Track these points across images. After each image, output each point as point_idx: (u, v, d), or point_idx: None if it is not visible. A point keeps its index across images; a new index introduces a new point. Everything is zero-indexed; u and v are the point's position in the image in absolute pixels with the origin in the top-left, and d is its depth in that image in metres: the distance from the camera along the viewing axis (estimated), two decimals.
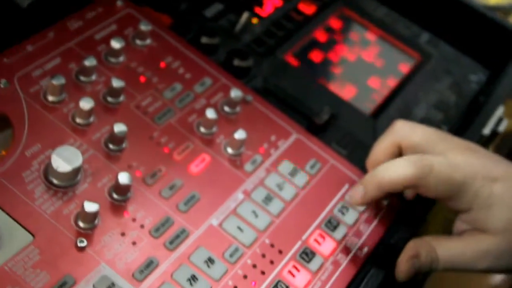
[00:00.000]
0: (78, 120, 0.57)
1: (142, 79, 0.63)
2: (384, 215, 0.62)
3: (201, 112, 0.62)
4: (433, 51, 0.82)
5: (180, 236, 0.54)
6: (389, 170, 0.57)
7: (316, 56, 0.76)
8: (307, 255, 0.57)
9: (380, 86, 0.76)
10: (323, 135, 0.67)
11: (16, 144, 0.54)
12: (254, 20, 0.76)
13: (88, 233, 0.51)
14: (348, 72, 0.77)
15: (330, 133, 0.68)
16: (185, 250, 0.53)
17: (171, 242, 0.53)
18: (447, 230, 0.62)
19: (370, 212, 0.62)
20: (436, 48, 0.83)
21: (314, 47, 0.77)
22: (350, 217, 0.61)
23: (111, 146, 0.57)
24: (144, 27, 0.65)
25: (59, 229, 0.50)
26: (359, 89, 0.75)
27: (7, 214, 0.50)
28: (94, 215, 0.51)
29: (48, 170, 0.53)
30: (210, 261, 0.53)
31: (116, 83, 0.59)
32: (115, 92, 0.60)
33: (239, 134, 0.60)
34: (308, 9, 0.80)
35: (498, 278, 0.90)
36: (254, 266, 0.55)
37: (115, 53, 0.63)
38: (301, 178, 0.62)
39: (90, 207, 0.50)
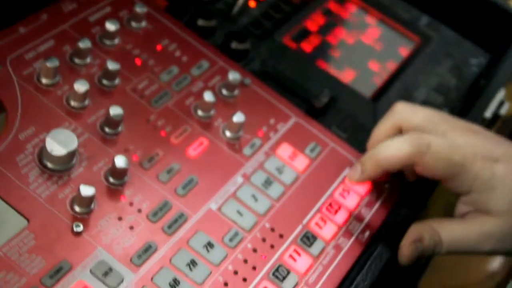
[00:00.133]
0: (72, 103, 0.56)
1: (138, 61, 0.62)
2: (386, 198, 0.61)
3: (199, 95, 0.61)
4: (433, 34, 0.81)
5: (179, 220, 0.53)
6: (386, 148, 0.57)
7: (314, 39, 0.75)
8: (308, 239, 0.56)
9: (380, 69, 0.75)
10: (323, 119, 0.66)
11: (10, 128, 0.52)
12: (251, 3, 0.74)
13: (84, 218, 0.50)
14: (347, 55, 0.75)
15: (330, 117, 0.66)
16: (183, 235, 0.52)
17: (169, 227, 0.52)
18: (448, 215, 0.61)
19: (372, 196, 0.61)
20: (436, 31, 0.82)
21: (312, 30, 0.76)
22: (351, 200, 0.60)
23: (107, 129, 0.55)
24: (139, 9, 0.64)
25: (54, 213, 0.49)
26: (359, 72, 0.74)
27: (1, 198, 0.48)
28: (90, 199, 0.50)
29: (42, 154, 0.51)
30: (209, 245, 0.52)
31: (112, 65, 0.58)
32: (110, 75, 0.58)
33: (238, 117, 0.59)
34: None
35: (496, 264, 0.89)
36: (255, 250, 0.54)
37: (110, 35, 0.61)
38: (301, 162, 0.61)
39: (86, 190, 0.49)
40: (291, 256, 0.54)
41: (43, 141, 0.51)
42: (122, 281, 0.48)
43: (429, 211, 0.74)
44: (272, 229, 0.55)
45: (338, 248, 0.56)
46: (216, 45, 0.67)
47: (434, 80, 0.76)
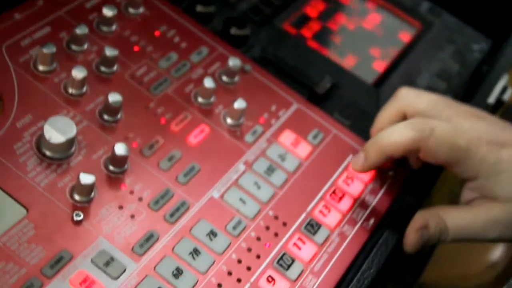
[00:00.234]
0: (70, 90, 0.54)
1: (136, 48, 0.60)
2: (390, 185, 0.60)
3: (198, 82, 0.60)
4: (434, 20, 0.80)
5: (181, 208, 0.52)
6: (390, 134, 0.56)
7: (315, 25, 0.74)
8: (312, 227, 0.55)
9: (381, 55, 0.74)
10: (325, 105, 0.64)
11: (6, 116, 0.51)
12: None
13: (84, 207, 0.49)
14: (348, 41, 0.74)
15: (332, 103, 0.65)
16: (186, 223, 0.51)
17: (171, 215, 0.51)
18: (451, 203, 0.60)
19: (376, 183, 0.60)
20: (437, 17, 0.81)
21: (312, 16, 0.75)
22: (355, 188, 0.59)
23: (106, 116, 0.54)
24: None
25: (54, 202, 0.48)
26: (360, 58, 0.73)
27: None
28: (91, 187, 0.49)
29: (40, 142, 0.50)
30: (212, 234, 0.51)
31: (110, 51, 0.56)
32: (108, 61, 0.57)
33: (239, 104, 0.58)
34: None
35: (496, 254, 0.88)
36: (258, 238, 0.53)
37: (107, 21, 0.60)
38: (303, 149, 0.59)
39: (86, 179, 0.48)
40: (295, 244, 0.53)
41: (41, 129, 0.50)
42: (124, 270, 0.47)
43: (433, 199, 0.74)
44: (276, 217, 0.54)
45: (343, 236, 0.55)
46: (215, 31, 0.66)
47: (436, 66, 0.75)
